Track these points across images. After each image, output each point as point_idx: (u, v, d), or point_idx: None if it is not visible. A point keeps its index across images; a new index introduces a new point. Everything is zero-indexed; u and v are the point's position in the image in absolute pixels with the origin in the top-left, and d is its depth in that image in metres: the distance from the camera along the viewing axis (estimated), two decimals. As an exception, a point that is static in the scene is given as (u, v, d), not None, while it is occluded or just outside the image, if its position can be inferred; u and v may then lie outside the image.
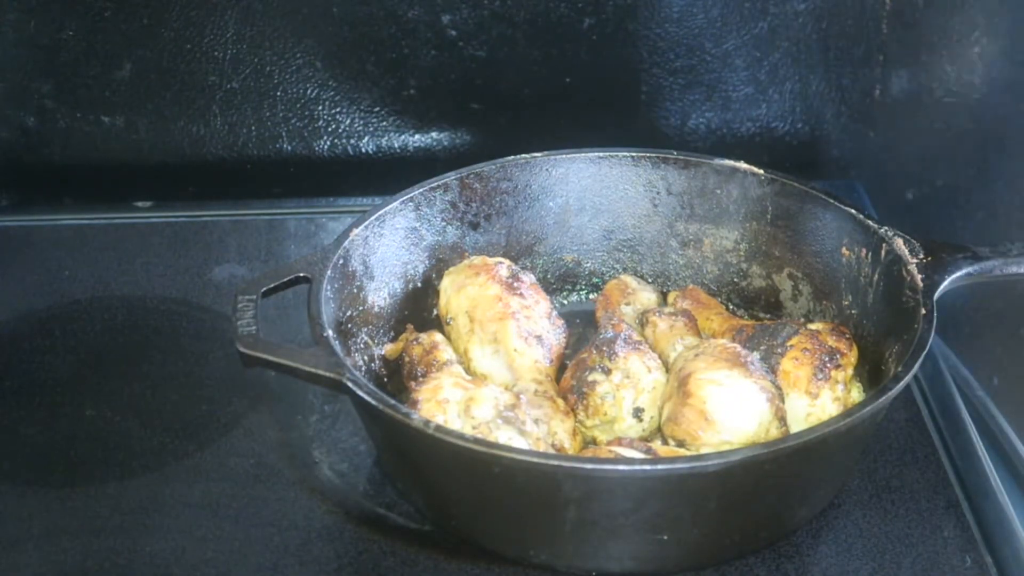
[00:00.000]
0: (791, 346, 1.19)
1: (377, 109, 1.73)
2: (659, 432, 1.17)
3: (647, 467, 0.99)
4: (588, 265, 1.45)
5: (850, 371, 1.19)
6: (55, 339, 1.45)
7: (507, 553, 1.10)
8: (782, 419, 1.12)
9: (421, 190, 1.34)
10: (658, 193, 1.41)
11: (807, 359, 1.17)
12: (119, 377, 1.37)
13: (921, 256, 1.19)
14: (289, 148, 1.75)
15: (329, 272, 1.19)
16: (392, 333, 1.31)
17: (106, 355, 1.42)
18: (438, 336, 1.27)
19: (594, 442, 1.19)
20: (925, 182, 1.74)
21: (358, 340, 1.24)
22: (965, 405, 1.32)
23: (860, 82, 1.71)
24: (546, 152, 1.40)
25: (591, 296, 1.45)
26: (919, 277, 1.17)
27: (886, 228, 1.24)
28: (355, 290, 1.25)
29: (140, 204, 1.71)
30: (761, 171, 1.35)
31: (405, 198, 1.32)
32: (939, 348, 1.43)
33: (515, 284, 1.28)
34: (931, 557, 1.11)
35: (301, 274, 1.19)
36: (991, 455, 1.25)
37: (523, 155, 1.39)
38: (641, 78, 1.70)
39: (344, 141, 1.75)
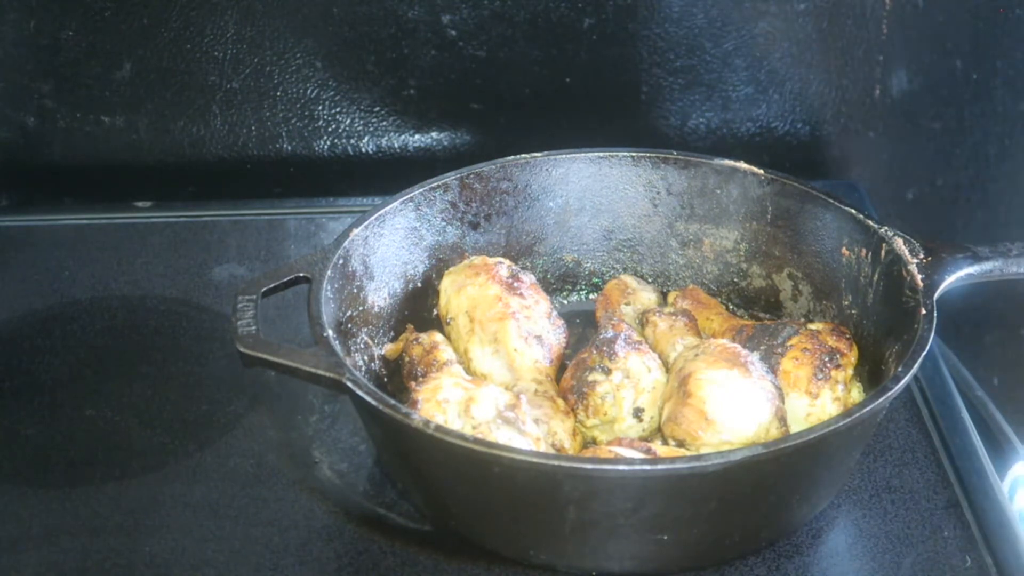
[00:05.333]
0: (791, 346, 1.19)
1: (377, 109, 1.72)
2: (659, 432, 1.17)
3: (647, 467, 0.99)
4: (588, 265, 1.45)
5: (850, 371, 1.19)
6: (55, 339, 1.45)
7: (507, 553, 1.10)
8: (782, 419, 1.12)
9: (421, 190, 1.33)
10: (658, 193, 1.41)
11: (807, 359, 1.17)
12: (119, 377, 1.37)
13: (921, 256, 1.19)
14: (289, 148, 1.75)
15: (329, 272, 1.19)
16: (392, 333, 1.31)
17: (106, 355, 1.41)
18: (438, 336, 1.27)
19: (594, 442, 1.19)
20: (925, 182, 1.74)
21: (358, 340, 1.24)
22: (965, 405, 1.32)
23: (860, 82, 1.71)
24: (546, 152, 1.40)
25: (591, 296, 1.45)
26: (919, 277, 1.17)
27: (886, 228, 1.24)
28: (355, 290, 1.25)
29: (140, 204, 1.71)
30: (761, 171, 1.35)
31: (405, 198, 1.32)
32: (939, 348, 1.43)
33: (515, 284, 1.28)
34: (931, 557, 1.11)
35: (301, 274, 1.19)
36: (991, 455, 1.25)
37: (523, 155, 1.39)
38: (641, 78, 1.70)
39: (344, 141, 1.75)
